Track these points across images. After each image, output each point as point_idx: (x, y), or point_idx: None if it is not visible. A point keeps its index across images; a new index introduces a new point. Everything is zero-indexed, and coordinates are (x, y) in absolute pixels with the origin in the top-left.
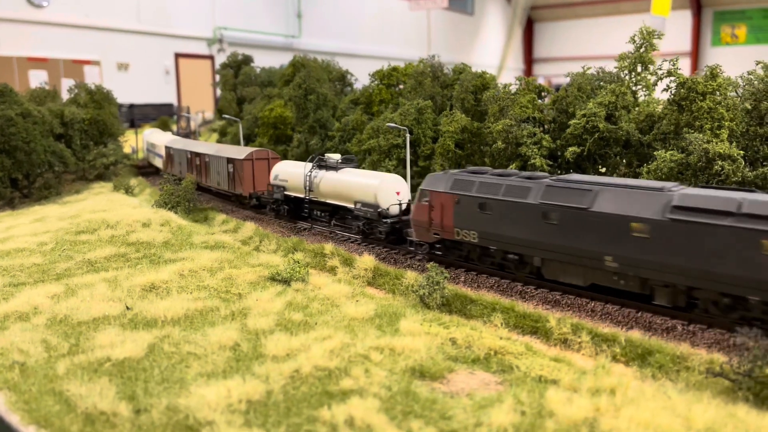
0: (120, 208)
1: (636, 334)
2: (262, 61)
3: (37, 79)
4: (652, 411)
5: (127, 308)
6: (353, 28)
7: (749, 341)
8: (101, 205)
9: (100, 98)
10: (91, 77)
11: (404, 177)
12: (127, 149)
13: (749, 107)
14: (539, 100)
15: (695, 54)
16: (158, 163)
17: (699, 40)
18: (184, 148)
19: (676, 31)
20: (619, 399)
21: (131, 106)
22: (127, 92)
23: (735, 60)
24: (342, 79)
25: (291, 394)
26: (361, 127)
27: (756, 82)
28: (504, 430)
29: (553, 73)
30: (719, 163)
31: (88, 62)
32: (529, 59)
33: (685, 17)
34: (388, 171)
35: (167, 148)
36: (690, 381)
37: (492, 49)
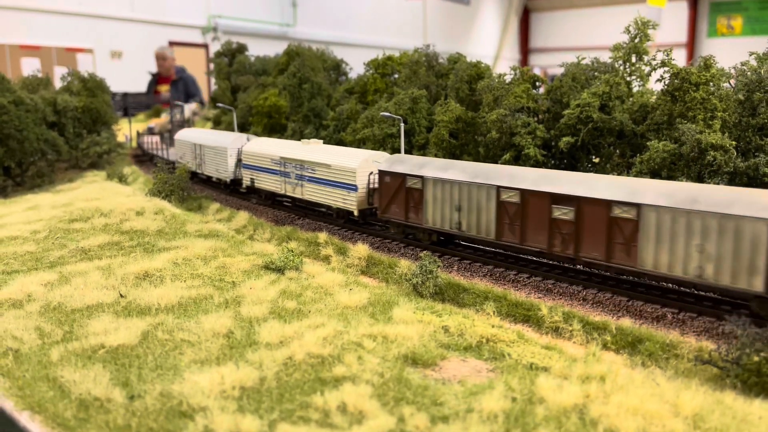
0: (113, 196)
1: (627, 323)
2: (257, 49)
3: (30, 66)
4: (641, 397)
5: (121, 296)
6: (349, 18)
7: (737, 329)
8: (94, 194)
9: (93, 86)
10: (84, 65)
11: None
12: (120, 138)
13: (742, 98)
14: (534, 90)
15: (691, 45)
16: (311, 195)
17: (695, 31)
18: (504, 184)
19: (672, 22)
20: (608, 386)
21: (125, 95)
22: (120, 81)
23: (731, 51)
24: (337, 68)
25: (284, 381)
26: (356, 116)
27: (749, 73)
28: (495, 416)
29: (548, 64)
30: (711, 153)
31: (81, 50)
32: (525, 49)
33: (681, 8)
34: None
35: (395, 175)
36: (679, 368)
37: (488, 39)
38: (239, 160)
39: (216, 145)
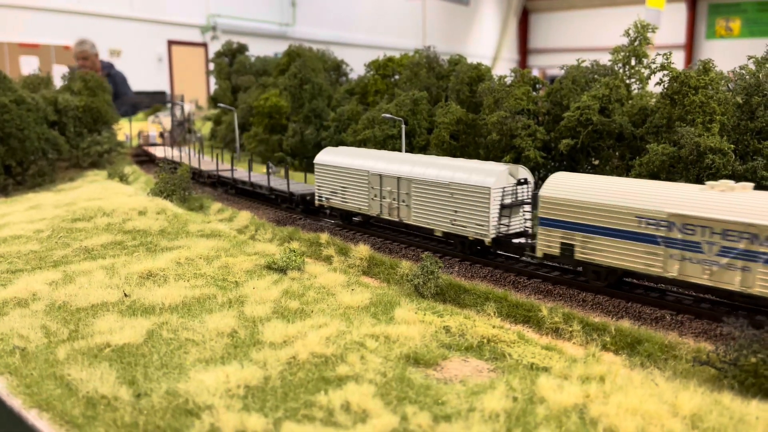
0: (115, 196)
1: (626, 324)
2: (256, 49)
3: (28, 65)
4: (640, 398)
5: (125, 295)
6: (348, 17)
7: (735, 331)
8: (96, 193)
9: (94, 85)
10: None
11: None
12: (120, 137)
13: (740, 102)
14: (534, 93)
15: (689, 47)
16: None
17: (693, 32)
18: None
19: (670, 24)
20: (608, 386)
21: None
22: None
23: (729, 53)
24: (337, 68)
25: (288, 380)
26: (357, 117)
27: (747, 77)
28: (496, 416)
29: (547, 64)
30: (710, 156)
31: None
32: (524, 50)
33: (680, 10)
34: None
35: None
36: (677, 369)
37: (487, 40)
38: (505, 207)
39: (453, 182)
